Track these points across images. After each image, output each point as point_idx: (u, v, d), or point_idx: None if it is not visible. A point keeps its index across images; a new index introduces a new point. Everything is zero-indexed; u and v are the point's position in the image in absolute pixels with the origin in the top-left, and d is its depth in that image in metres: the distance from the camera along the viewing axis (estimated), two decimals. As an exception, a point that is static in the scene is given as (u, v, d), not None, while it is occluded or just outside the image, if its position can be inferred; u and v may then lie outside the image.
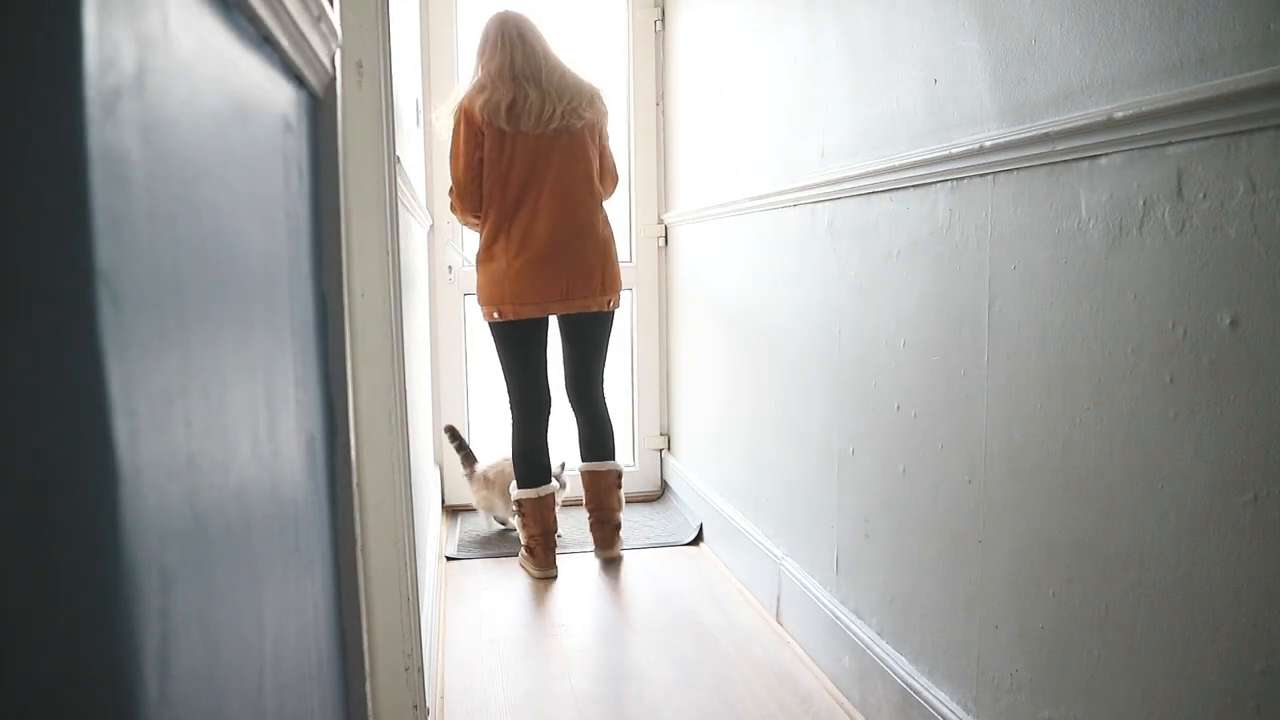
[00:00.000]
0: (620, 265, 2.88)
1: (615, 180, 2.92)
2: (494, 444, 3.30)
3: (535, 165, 2.67)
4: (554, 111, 2.64)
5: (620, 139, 3.53)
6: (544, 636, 2.41)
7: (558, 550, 2.97)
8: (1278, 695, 0.97)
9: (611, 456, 2.97)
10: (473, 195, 2.69)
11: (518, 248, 2.68)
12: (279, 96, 0.86)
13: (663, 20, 3.45)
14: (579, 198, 2.72)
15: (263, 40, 0.76)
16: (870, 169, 1.81)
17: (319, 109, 1.09)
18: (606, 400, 2.96)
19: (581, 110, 2.70)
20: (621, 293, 2.88)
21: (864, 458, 1.93)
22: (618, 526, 2.98)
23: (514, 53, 2.68)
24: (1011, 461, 1.42)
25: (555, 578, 2.82)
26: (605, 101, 2.80)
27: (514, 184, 2.67)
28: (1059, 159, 1.27)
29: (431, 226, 3.45)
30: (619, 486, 2.97)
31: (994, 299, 1.45)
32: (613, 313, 2.86)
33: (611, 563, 2.94)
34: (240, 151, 0.68)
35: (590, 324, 2.84)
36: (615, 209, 3.45)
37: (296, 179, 0.92)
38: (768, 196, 2.42)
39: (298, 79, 0.95)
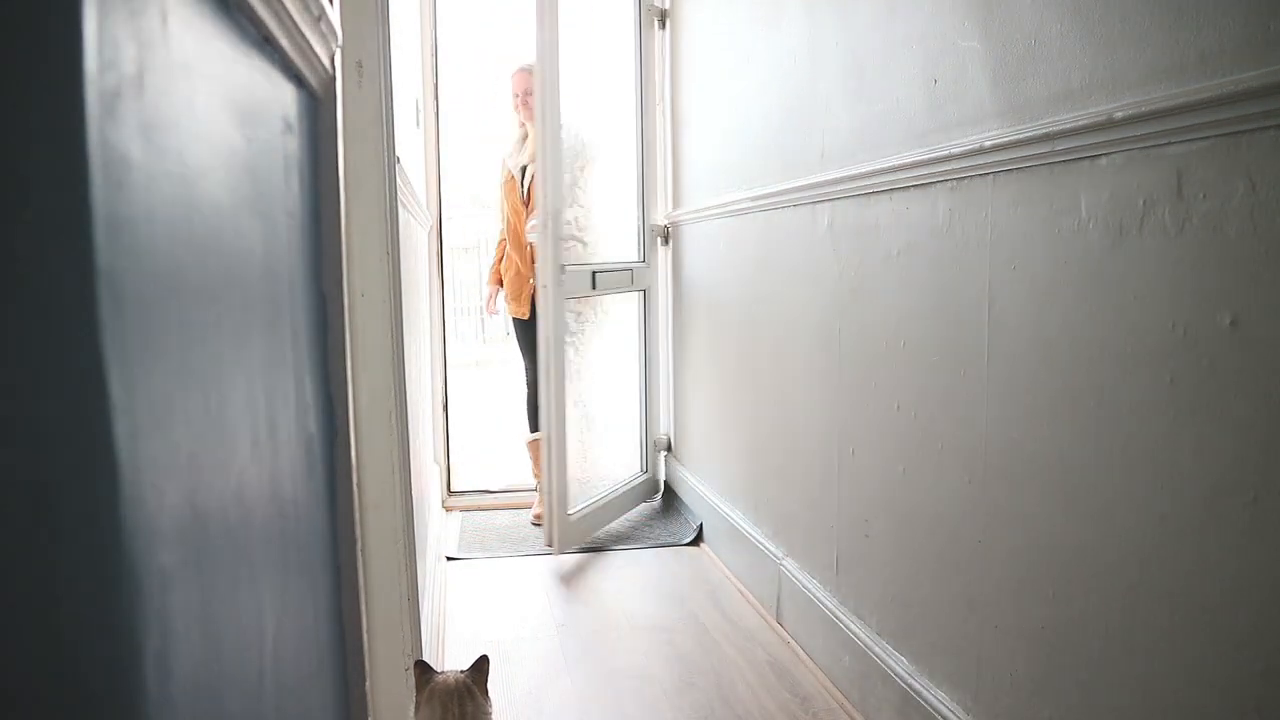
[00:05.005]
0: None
1: None
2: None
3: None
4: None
5: (630, 138, 3.51)
6: (544, 636, 2.41)
7: (558, 550, 3.01)
8: (1278, 695, 0.97)
9: None
10: None
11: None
12: (279, 96, 0.86)
13: (664, 21, 3.45)
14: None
15: (263, 40, 0.76)
16: (870, 169, 1.81)
17: (319, 109, 1.09)
18: None
19: None
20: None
21: (864, 458, 1.93)
22: None
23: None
24: (1011, 461, 1.42)
25: None
26: None
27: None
28: (1059, 159, 1.27)
29: (431, 227, 3.45)
30: None
31: (994, 299, 1.45)
32: None
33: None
34: (240, 151, 0.68)
35: None
36: (626, 207, 3.52)
37: (296, 179, 0.92)
38: (768, 196, 2.42)
39: (298, 79, 0.95)
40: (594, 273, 3.19)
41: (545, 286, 2.93)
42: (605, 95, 3.42)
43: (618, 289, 3.36)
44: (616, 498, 3.33)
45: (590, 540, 3.12)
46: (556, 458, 2.94)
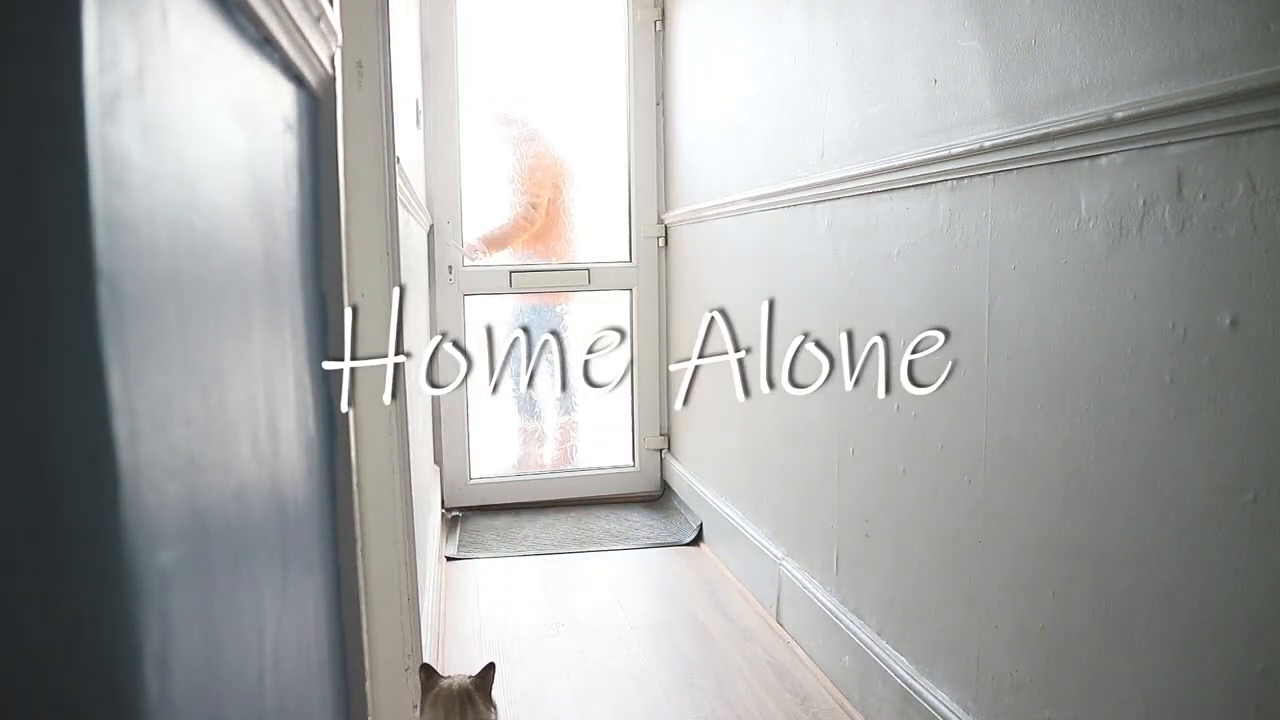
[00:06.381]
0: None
1: None
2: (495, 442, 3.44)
3: None
4: None
5: (620, 139, 3.54)
6: (544, 636, 2.41)
7: (558, 550, 3.02)
8: (1278, 695, 0.97)
9: None
10: None
11: None
12: (279, 96, 0.86)
13: (663, 20, 3.45)
14: None
15: (263, 40, 0.76)
16: (870, 169, 1.81)
17: (319, 109, 1.09)
18: None
19: None
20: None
21: (864, 458, 1.93)
22: None
23: None
24: (1011, 461, 1.42)
25: None
26: None
27: None
28: (1059, 159, 1.27)
29: (431, 227, 3.45)
30: None
31: (994, 299, 1.45)
32: None
33: None
34: (240, 151, 0.68)
35: None
36: (615, 207, 3.62)
37: (296, 179, 0.92)
38: (768, 196, 2.42)
39: (298, 79, 0.95)
40: (510, 272, 3.49)
41: (437, 284, 3.35)
42: (596, 98, 3.48)
43: (572, 287, 3.59)
44: (576, 479, 3.67)
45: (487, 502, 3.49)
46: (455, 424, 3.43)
